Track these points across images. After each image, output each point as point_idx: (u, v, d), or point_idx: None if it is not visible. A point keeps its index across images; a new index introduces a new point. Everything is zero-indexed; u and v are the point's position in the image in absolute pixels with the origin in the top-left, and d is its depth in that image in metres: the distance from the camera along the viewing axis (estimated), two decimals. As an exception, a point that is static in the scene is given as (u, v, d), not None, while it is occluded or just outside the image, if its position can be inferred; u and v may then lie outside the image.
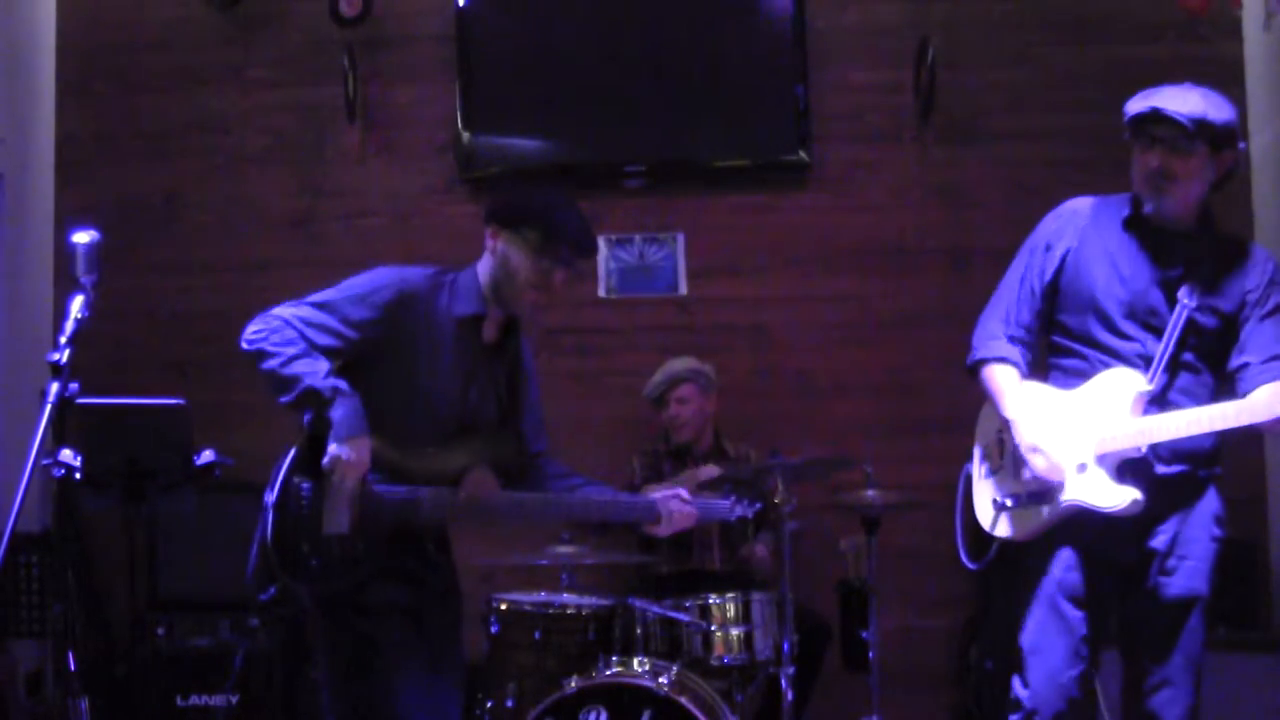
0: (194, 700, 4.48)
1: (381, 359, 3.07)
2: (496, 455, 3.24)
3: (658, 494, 3.32)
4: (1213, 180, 3.07)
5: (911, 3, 5.39)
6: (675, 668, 3.87)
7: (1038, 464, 3.08)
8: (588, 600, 4.10)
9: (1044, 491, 3.10)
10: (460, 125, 5.33)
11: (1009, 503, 3.19)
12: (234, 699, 4.46)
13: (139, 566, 4.38)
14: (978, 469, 3.32)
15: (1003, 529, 3.21)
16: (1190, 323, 3.04)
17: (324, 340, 3.02)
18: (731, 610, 4.05)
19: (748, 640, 4.03)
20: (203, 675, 4.49)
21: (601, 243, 5.31)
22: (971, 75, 5.28)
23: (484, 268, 3.16)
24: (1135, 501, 2.99)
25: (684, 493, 3.29)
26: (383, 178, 5.44)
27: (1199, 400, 3.04)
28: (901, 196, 5.34)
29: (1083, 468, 3.03)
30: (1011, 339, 3.21)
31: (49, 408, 2.65)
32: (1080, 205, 3.24)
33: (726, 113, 5.32)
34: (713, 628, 4.02)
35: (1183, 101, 2.99)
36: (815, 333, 5.33)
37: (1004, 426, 3.20)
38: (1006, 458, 3.22)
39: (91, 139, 5.48)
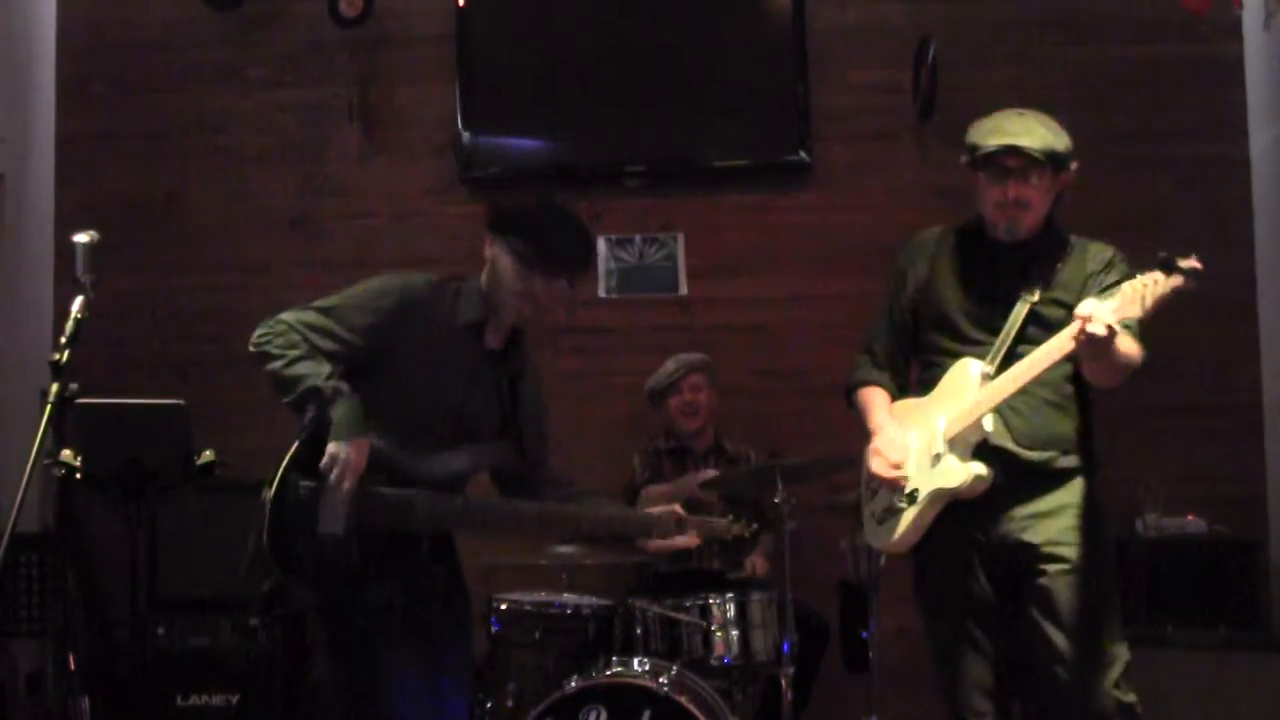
0: (194, 700, 4.48)
1: (384, 364, 3.08)
2: (497, 462, 3.25)
3: (655, 510, 3.31)
4: (1054, 196, 3.21)
5: (911, 3, 5.39)
6: (675, 667, 3.88)
7: (874, 465, 3.24)
8: (588, 600, 4.10)
9: (911, 493, 3.18)
10: (460, 125, 5.33)
11: (887, 514, 3.27)
12: (234, 699, 4.45)
13: (139, 566, 4.38)
14: (862, 493, 3.41)
15: (880, 540, 3.31)
16: (1032, 315, 3.15)
17: (326, 344, 3.04)
18: (731, 610, 4.05)
19: (747, 640, 4.03)
20: (203, 675, 4.49)
21: (601, 243, 5.31)
22: (971, 75, 5.27)
23: (483, 275, 3.17)
24: (978, 476, 3.08)
25: (679, 509, 3.28)
26: (383, 178, 5.44)
27: (1046, 385, 3.11)
28: (901, 196, 5.33)
29: (937, 458, 3.14)
30: (878, 365, 3.40)
31: (49, 408, 2.66)
32: (928, 234, 3.46)
33: (726, 112, 5.32)
34: (713, 628, 4.02)
35: (1030, 134, 3.13)
36: (815, 333, 5.32)
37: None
38: (873, 477, 3.32)
39: (91, 139, 5.48)
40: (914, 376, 3.39)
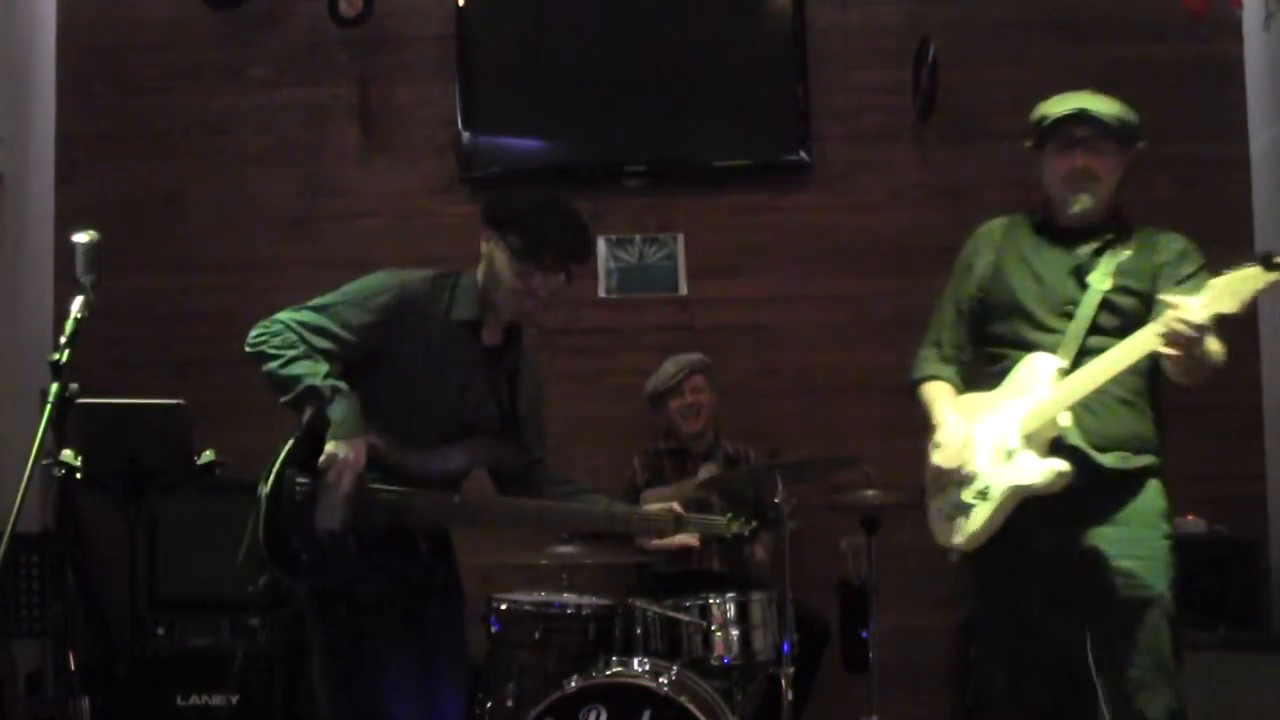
0: (194, 700, 4.48)
1: (381, 362, 3.08)
2: (495, 459, 3.25)
3: (653, 508, 3.31)
4: (1122, 177, 3.19)
5: (911, 3, 5.39)
6: (675, 667, 3.87)
7: (936, 459, 3.20)
8: (588, 600, 4.10)
9: (984, 490, 3.13)
10: (460, 125, 5.33)
11: (958, 511, 3.23)
12: (234, 699, 4.45)
13: (139, 566, 4.38)
14: (929, 488, 3.36)
15: (952, 538, 3.25)
16: (1105, 303, 3.11)
17: (323, 343, 3.03)
18: (731, 610, 4.05)
19: (747, 640, 4.03)
20: (203, 675, 4.49)
21: (601, 243, 5.32)
22: (972, 75, 5.28)
23: (479, 271, 3.17)
24: (1060, 472, 3.03)
25: (677, 506, 3.28)
26: (383, 178, 5.44)
27: (1118, 382, 3.06)
28: (901, 196, 5.34)
29: (1010, 454, 3.09)
30: (944, 359, 3.36)
31: (49, 408, 2.65)
32: (994, 224, 3.41)
33: (726, 113, 5.32)
34: (713, 627, 4.02)
35: (1099, 102, 3.13)
36: (815, 333, 5.33)
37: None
38: (942, 473, 3.29)
39: (91, 139, 5.48)
40: (981, 369, 3.32)
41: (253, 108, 5.48)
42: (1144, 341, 2.90)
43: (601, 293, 5.37)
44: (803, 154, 5.30)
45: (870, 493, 4.28)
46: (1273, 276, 2.71)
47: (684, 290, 5.39)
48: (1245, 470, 5.08)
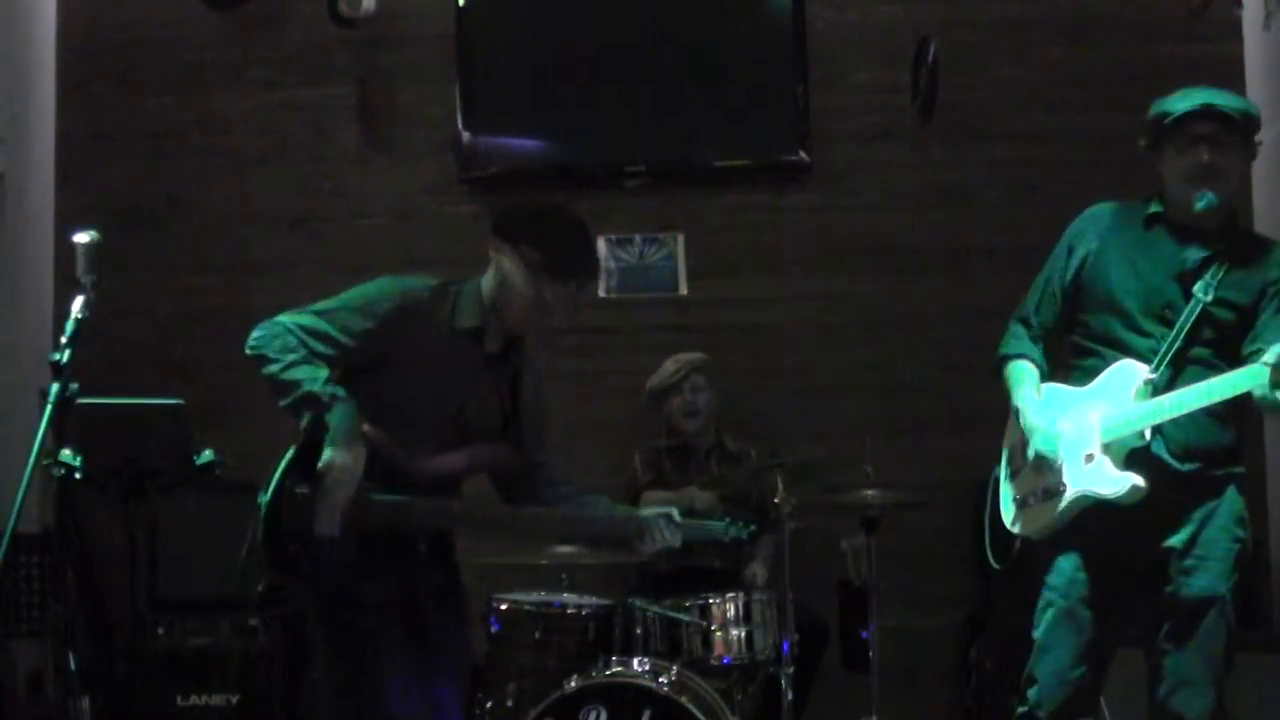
0: (194, 700, 4.48)
1: (382, 368, 3.09)
2: (495, 465, 3.25)
3: (649, 513, 3.30)
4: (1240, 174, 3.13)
5: (911, 3, 5.39)
6: (675, 667, 3.87)
7: (1036, 441, 3.14)
8: (588, 600, 4.10)
9: (1056, 486, 3.12)
10: (460, 125, 5.33)
11: (1029, 500, 3.22)
12: (234, 699, 4.45)
13: (139, 566, 4.38)
14: (1003, 471, 3.35)
15: (1021, 526, 3.25)
16: (1204, 315, 3.05)
17: (322, 348, 3.04)
18: (731, 610, 4.05)
19: (747, 640, 4.03)
20: (203, 675, 4.49)
21: (601, 243, 5.31)
22: (972, 75, 5.27)
23: (487, 280, 3.16)
24: (1136, 487, 3.00)
25: (675, 513, 3.28)
26: (383, 178, 5.44)
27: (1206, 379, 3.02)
28: (901, 196, 5.34)
29: (1090, 459, 3.06)
30: (1033, 338, 3.29)
31: (49, 408, 2.65)
32: (1103, 209, 3.30)
33: (726, 112, 5.32)
34: (713, 627, 4.02)
35: (1228, 97, 3.06)
36: (815, 333, 5.33)
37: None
38: (1026, 457, 3.24)
39: (91, 139, 5.48)
40: (1067, 358, 3.28)
41: (253, 108, 5.48)
42: (1238, 385, 2.87)
43: (601, 293, 5.36)
44: (802, 154, 5.30)
45: (870, 492, 4.27)
46: None
47: (684, 290, 5.39)
48: (1245, 470, 5.07)
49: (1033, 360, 3.27)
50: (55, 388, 2.66)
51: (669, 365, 4.87)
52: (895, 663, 4.52)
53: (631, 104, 5.33)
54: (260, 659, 4.49)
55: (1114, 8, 5.32)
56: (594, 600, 4.10)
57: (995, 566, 3.40)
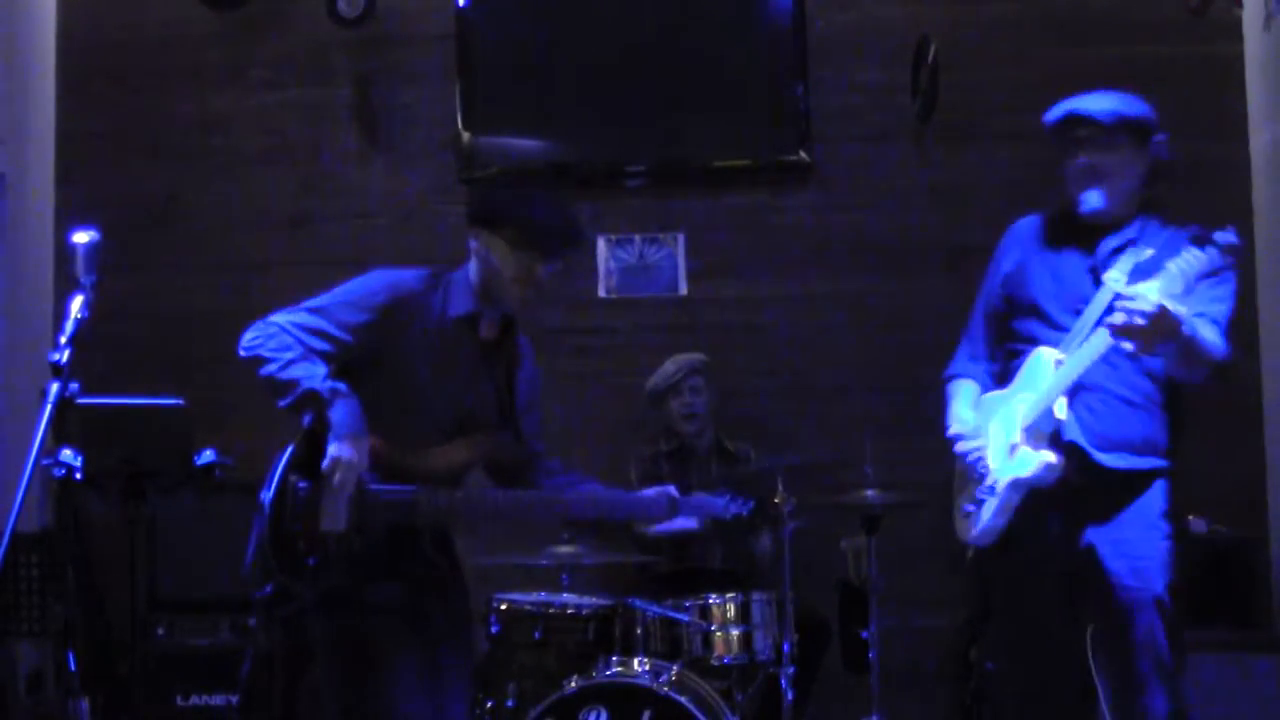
0: (194, 700, 4.48)
1: (379, 361, 3.08)
2: (495, 454, 3.25)
3: (649, 491, 3.31)
4: (1144, 173, 3.19)
5: (911, 3, 5.39)
6: (675, 668, 3.88)
7: (962, 448, 3.25)
8: (588, 600, 4.10)
9: (989, 486, 3.18)
10: (460, 125, 5.33)
11: (971, 508, 3.26)
12: (234, 699, 4.45)
13: (139, 566, 4.38)
14: (954, 486, 3.40)
15: (969, 535, 3.29)
16: (1116, 302, 3.08)
17: (319, 345, 3.04)
18: (731, 610, 4.05)
19: (748, 640, 4.03)
20: (203, 675, 4.49)
21: (601, 243, 5.32)
22: (971, 75, 5.27)
23: (472, 269, 3.17)
24: (1049, 465, 3.05)
25: (673, 490, 3.28)
26: (383, 178, 5.44)
27: (1124, 371, 3.09)
28: (901, 196, 5.34)
29: (1013, 448, 3.12)
30: (972, 356, 3.42)
31: (49, 408, 2.65)
32: (1027, 221, 3.43)
33: (727, 112, 5.32)
34: (713, 628, 4.02)
35: (1098, 102, 3.15)
36: (815, 333, 5.33)
37: None
38: (962, 469, 3.33)
39: (91, 139, 5.48)
40: (1006, 365, 3.35)
41: (253, 108, 5.48)
42: (1107, 335, 2.93)
43: (602, 292, 5.36)
44: (803, 154, 5.30)
45: (870, 492, 4.28)
46: (1203, 257, 2.76)
47: (684, 290, 5.39)
48: (1245, 470, 5.08)
49: (969, 377, 3.38)
50: (55, 388, 2.66)
51: (668, 366, 4.87)
52: (895, 663, 4.52)
53: (631, 104, 5.33)
54: (260, 659, 4.48)
55: (1114, 8, 5.31)
56: (594, 600, 4.10)
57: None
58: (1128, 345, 2.89)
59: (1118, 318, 2.84)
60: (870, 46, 5.38)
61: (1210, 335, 2.97)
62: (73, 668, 3.69)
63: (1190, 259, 2.78)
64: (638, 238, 5.39)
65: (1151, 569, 3.09)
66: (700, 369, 4.86)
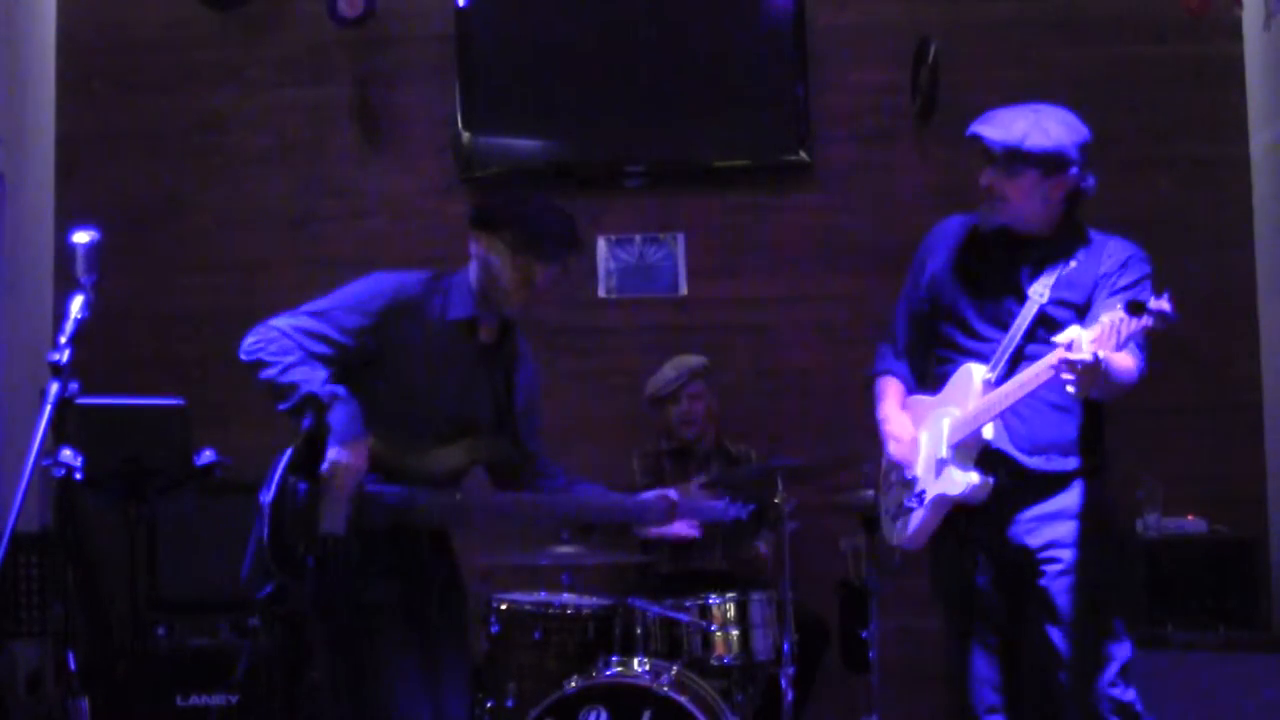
0: (194, 700, 4.48)
1: (379, 364, 3.09)
2: (493, 456, 3.26)
3: (648, 495, 3.32)
4: (1060, 197, 3.13)
5: (911, 3, 5.39)
6: (675, 668, 3.88)
7: (893, 449, 3.26)
8: (588, 600, 4.10)
9: (917, 493, 3.19)
10: (460, 126, 5.33)
11: (898, 511, 3.28)
12: (234, 699, 4.45)
13: (139, 566, 4.38)
14: (878, 486, 3.43)
15: (895, 538, 3.30)
16: (1041, 316, 3.11)
17: (320, 348, 3.04)
18: (731, 610, 4.05)
19: (747, 640, 4.04)
20: (203, 675, 4.48)
21: (601, 243, 5.32)
22: (972, 75, 5.27)
23: (472, 272, 3.18)
24: (974, 486, 3.07)
25: (672, 493, 3.28)
26: (383, 178, 5.44)
27: (1049, 387, 3.04)
28: (901, 197, 5.33)
29: (941, 462, 3.13)
30: (897, 354, 3.40)
31: (49, 408, 2.65)
32: (952, 222, 3.41)
33: (727, 112, 5.32)
34: (713, 628, 4.02)
35: (1004, 129, 3.09)
36: (815, 333, 5.32)
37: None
38: (890, 470, 3.35)
39: (91, 139, 5.48)
40: (930, 368, 3.36)
41: (253, 108, 5.48)
42: (1043, 370, 2.91)
43: (601, 293, 5.37)
44: (803, 154, 5.30)
45: (870, 493, 4.26)
46: (1143, 323, 2.72)
47: (684, 290, 5.39)
48: (1245, 470, 5.08)
49: (895, 375, 3.38)
50: (55, 388, 2.66)
51: (668, 371, 4.85)
52: (895, 663, 4.52)
53: (631, 104, 5.33)
54: (260, 659, 4.48)
55: (1114, 8, 5.31)
56: (594, 600, 4.10)
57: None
58: (1068, 385, 2.86)
59: (1060, 363, 2.81)
60: (870, 47, 5.38)
61: (1129, 364, 2.95)
62: (72, 668, 3.68)
63: (1123, 322, 2.74)
64: (638, 238, 5.39)
65: (1068, 555, 3.09)
66: (700, 373, 4.84)
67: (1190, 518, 4.76)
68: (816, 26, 5.35)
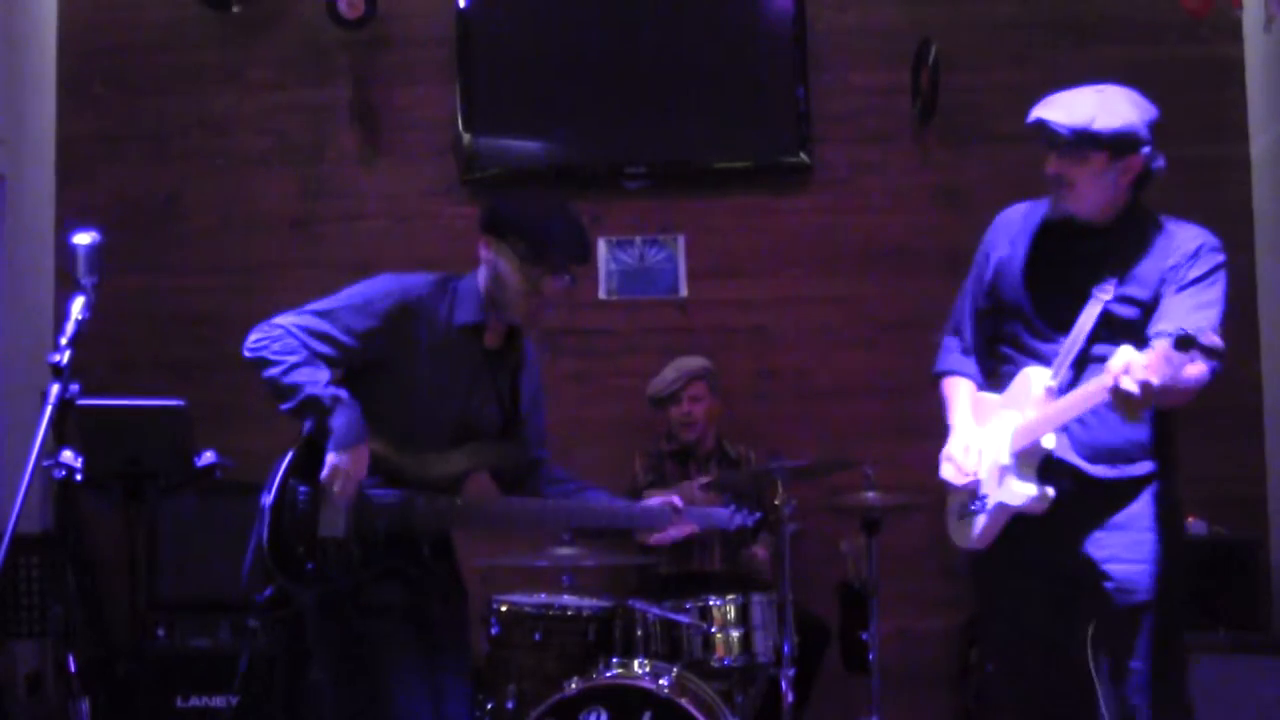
0: (194, 701, 4.48)
1: (383, 367, 3.08)
2: (497, 461, 3.25)
3: (653, 501, 3.31)
4: (1129, 181, 3.02)
5: (911, 3, 5.39)
6: (675, 669, 3.87)
7: (945, 471, 3.13)
8: (588, 602, 4.10)
9: (981, 498, 3.10)
10: (461, 127, 5.33)
11: (963, 513, 3.20)
12: (234, 700, 4.45)
13: (139, 566, 4.38)
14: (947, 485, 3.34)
15: (961, 539, 3.22)
16: (1105, 316, 3.01)
17: (324, 349, 3.03)
18: (731, 612, 4.05)
19: (748, 642, 4.03)
20: (203, 676, 4.49)
21: (602, 244, 5.32)
22: (972, 77, 5.28)
23: (481, 276, 3.16)
24: (1033, 498, 2.97)
25: (678, 500, 3.27)
26: (383, 180, 5.44)
27: None
28: (902, 198, 5.34)
29: (1004, 470, 3.03)
30: (965, 351, 3.27)
31: (49, 409, 2.65)
32: (1015, 211, 3.25)
33: (727, 114, 5.32)
34: (713, 629, 4.02)
35: (1068, 111, 2.96)
36: (815, 334, 5.33)
37: None
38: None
39: (91, 139, 5.47)
40: (995, 365, 3.24)
41: (253, 109, 5.48)
42: (1096, 392, 2.80)
43: (602, 294, 5.37)
44: (803, 156, 5.30)
45: (870, 494, 4.28)
46: (1194, 356, 2.61)
47: (684, 292, 5.39)
48: (1245, 470, 5.08)
49: (964, 374, 3.25)
50: (55, 389, 2.66)
51: (669, 373, 4.85)
52: (895, 664, 4.53)
53: (631, 105, 5.33)
54: (260, 660, 4.48)
55: (1114, 8, 5.32)
56: (594, 602, 4.10)
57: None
58: (1119, 409, 2.77)
59: (1110, 381, 2.70)
60: (870, 47, 5.39)
61: (1194, 372, 2.78)
62: (72, 668, 3.70)
63: (1174, 354, 2.61)
64: (638, 239, 5.39)
65: (1145, 572, 3.03)
66: (702, 375, 4.84)
67: (1190, 518, 4.76)
68: (817, 28, 5.36)
